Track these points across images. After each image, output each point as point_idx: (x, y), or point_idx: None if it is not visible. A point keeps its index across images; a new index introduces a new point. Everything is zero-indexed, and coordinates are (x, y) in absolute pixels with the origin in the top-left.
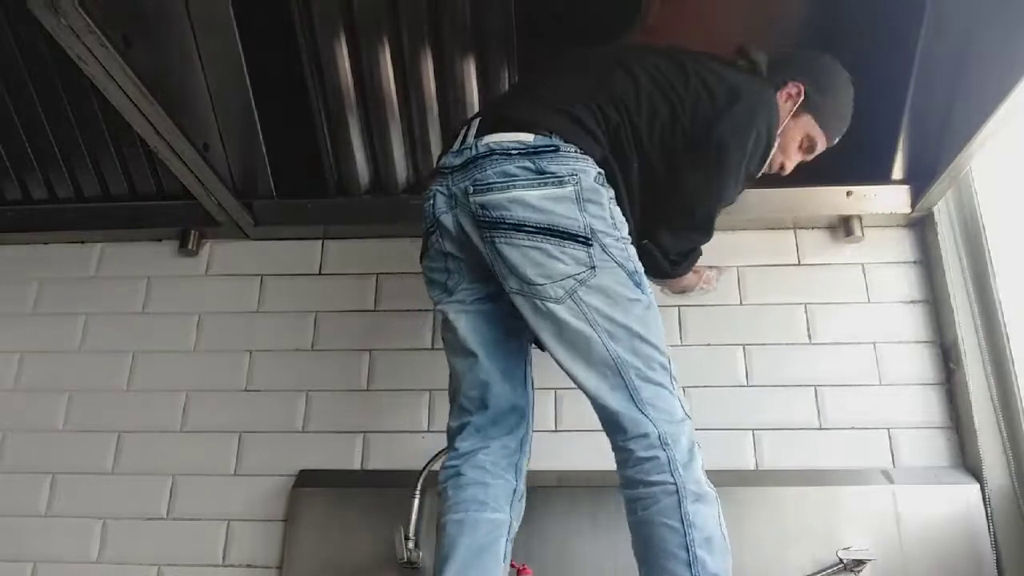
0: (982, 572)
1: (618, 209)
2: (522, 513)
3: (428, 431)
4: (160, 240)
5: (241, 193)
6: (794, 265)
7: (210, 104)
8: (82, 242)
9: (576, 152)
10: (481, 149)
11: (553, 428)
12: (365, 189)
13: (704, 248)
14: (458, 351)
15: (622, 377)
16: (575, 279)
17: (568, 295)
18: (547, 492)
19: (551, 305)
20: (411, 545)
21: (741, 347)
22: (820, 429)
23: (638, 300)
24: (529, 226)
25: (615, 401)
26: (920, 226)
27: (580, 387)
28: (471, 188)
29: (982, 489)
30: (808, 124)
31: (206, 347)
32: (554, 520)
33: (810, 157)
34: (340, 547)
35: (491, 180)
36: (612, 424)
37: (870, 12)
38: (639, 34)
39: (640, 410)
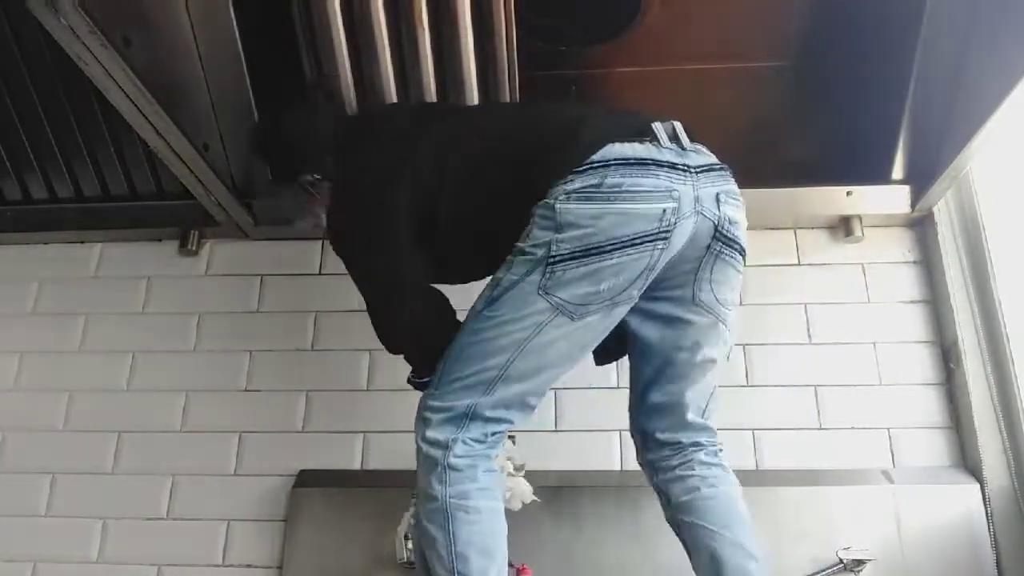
0: (982, 572)
1: None
2: None
3: None
4: (160, 240)
5: (241, 193)
6: (794, 265)
7: (210, 104)
8: (82, 242)
9: None
10: (712, 160)
11: (553, 428)
12: None
13: None
14: (579, 354)
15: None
16: (734, 311)
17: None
18: (547, 492)
19: (725, 329)
20: (411, 545)
21: (741, 347)
22: (820, 429)
23: None
24: (743, 255)
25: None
26: (920, 226)
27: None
28: (724, 197)
29: (982, 489)
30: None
31: (206, 347)
32: (554, 520)
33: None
34: (340, 547)
35: (738, 196)
36: (702, 427)
37: (870, 12)
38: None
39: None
